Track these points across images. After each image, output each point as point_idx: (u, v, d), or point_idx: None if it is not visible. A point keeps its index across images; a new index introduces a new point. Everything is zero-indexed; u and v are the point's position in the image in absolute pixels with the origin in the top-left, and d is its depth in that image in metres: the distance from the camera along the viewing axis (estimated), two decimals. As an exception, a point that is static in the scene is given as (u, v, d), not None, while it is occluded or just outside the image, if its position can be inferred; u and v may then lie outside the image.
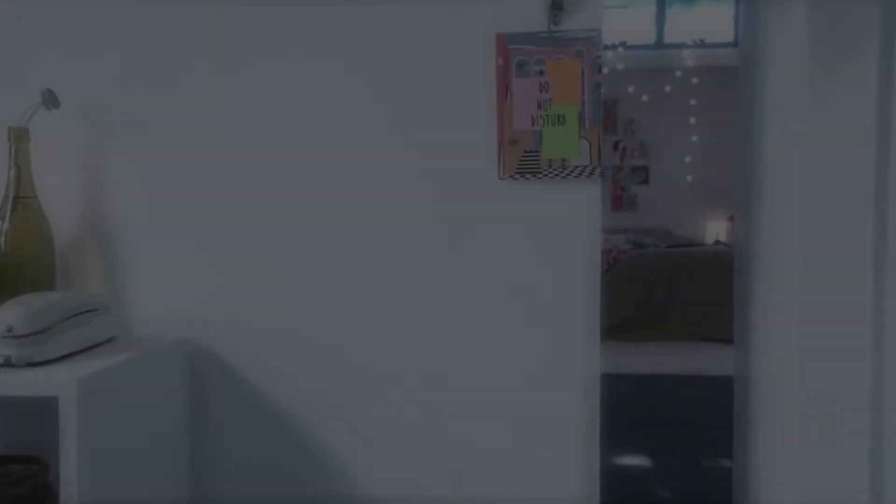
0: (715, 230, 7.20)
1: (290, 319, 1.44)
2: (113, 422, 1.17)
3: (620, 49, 6.96)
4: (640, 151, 7.48)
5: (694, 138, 7.29)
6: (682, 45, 7.04)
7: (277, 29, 1.43)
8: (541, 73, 1.35)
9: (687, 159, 7.32)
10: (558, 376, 1.40)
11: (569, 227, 1.38)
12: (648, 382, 4.44)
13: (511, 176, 1.36)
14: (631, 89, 7.24)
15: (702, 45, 7.05)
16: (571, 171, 1.35)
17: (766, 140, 1.45)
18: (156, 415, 1.34)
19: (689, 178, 7.33)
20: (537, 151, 1.35)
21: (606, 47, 6.97)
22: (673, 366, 4.78)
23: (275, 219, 1.44)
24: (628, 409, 3.86)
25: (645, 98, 7.32)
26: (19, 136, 1.35)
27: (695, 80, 7.18)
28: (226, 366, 1.46)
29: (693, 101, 7.28)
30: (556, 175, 1.35)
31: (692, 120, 7.29)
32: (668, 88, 7.27)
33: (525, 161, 1.35)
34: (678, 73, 7.16)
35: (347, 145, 1.42)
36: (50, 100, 1.37)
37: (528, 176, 1.35)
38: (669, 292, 5.54)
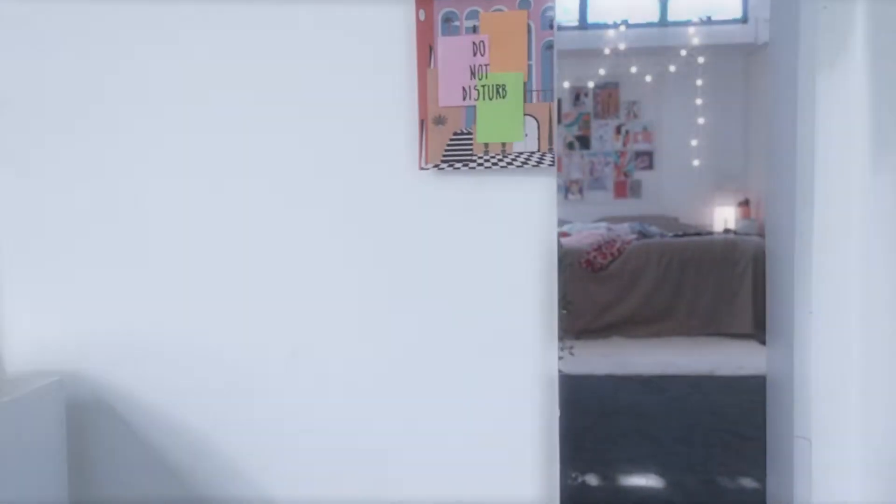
0: (723, 216, 7.03)
1: (190, 343, 1.24)
2: None
3: (622, 27, 6.70)
4: (643, 135, 7.27)
5: (700, 120, 7.08)
6: (687, 23, 6.81)
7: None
8: (474, 29, 1.04)
9: (693, 143, 7.11)
10: (508, 382, 1.21)
11: (512, 227, 1.11)
12: (657, 384, 4.21)
13: (436, 165, 1.05)
14: (633, 70, 7.00)
15: (708, 21, 6.83)
16: (514, 159, 1.04)
17: (813, 131, 1.29)
18: (18, 475, 1.08)
19: (695, 162, 7.13)
20: (470, 133, 1.04)
21: (607, 26, 6.81)
22: (683, 365, 4.56)
23: (163, 228, 1.23)
24: (635, 418, 3.63)
25: (648, 79, 7.09)
26: None
27: (701, 60, 6.96)
28: (115, 406, 1.25)
29: (699, 82, 7.06)
30: (494, 164, 1.03)
31: (698, 101, 7.08)
32: (672, 68, 7.03)
33: (454, 146, 1.05)
34: (683, 52, 6.90)
35: (231, 132, 1.15)
36: None
37: (457, 165, 1.04)
38: (677, 285, 5.33)
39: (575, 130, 7.19)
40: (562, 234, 5.84)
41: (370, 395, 1.24)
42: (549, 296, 1.17)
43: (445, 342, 1.20)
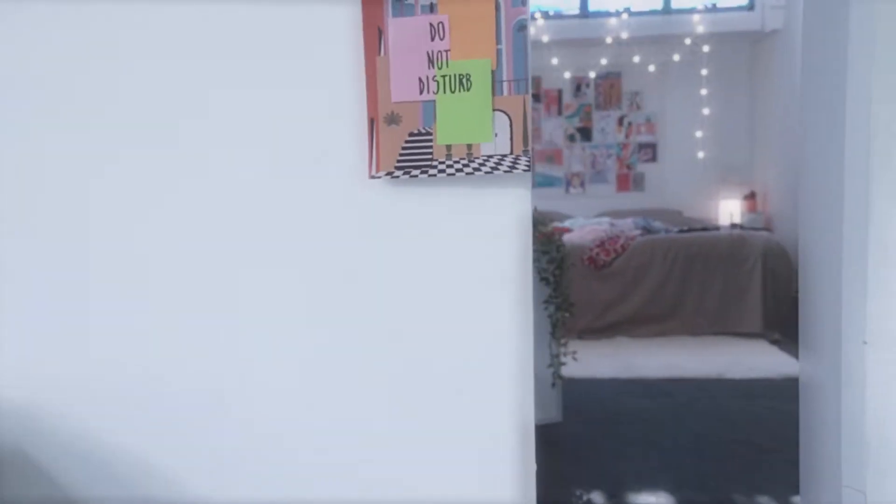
0: (729, 210, 6.93)
1: (132, 377, 1.15)
2: None
3: (625, 15, 6.59)
4: (646, 127, 7.15)
5: (705, 111, 6.98)
6: (691, 10, 6.71)
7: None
8: (431, 8, 0.86)
9: (698, 134, 7.00)
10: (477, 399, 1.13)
11: (480, 244, 0.95)
12: (663, 388, 4.06)
13: (389, 173, 0.87)
14: (636, 59, 6.89)
15: (713, 9, 6.73)
16: (482, 164, 0.86)
17: (868, 140, 1.17)
18: None
19: (700, 154, 7.03)
20: (429, 134, 0.86)
21: (609, 14, 6.67)
22: (691, 367, 4.40)
23: (90, 256, 1.12)
24: (642, 426, 3.47)
25: (652, 68, 6.98)
26: None
27: (706, 48, 6.82)
28: (38, 458, 1.16)
29: (704, 71, 6.94)
30: (459, 171, 0.85)
31: (703, 91, 6.97)
32: (676, 57, 6.92)
33: (411, 149, 0.87)
34: (687, 41, 6.78)
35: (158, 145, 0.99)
36: None
37: (414, 173, 0.87)
38: (683, 282, 5.19)
39: (576, 122, 7.08)
40: (563, 230, 5.70)
41: (329, 410, 1.15)
42: (521, 313, 1.03)
43: (408, 358, 1.11)
